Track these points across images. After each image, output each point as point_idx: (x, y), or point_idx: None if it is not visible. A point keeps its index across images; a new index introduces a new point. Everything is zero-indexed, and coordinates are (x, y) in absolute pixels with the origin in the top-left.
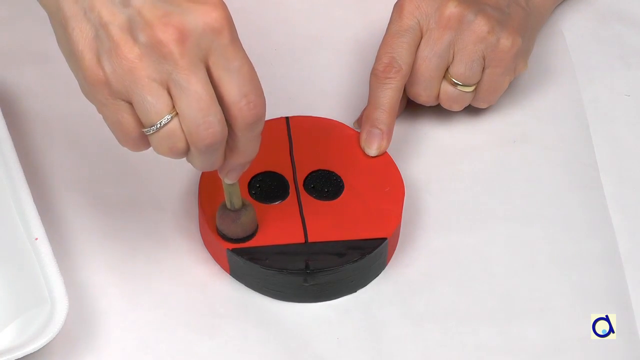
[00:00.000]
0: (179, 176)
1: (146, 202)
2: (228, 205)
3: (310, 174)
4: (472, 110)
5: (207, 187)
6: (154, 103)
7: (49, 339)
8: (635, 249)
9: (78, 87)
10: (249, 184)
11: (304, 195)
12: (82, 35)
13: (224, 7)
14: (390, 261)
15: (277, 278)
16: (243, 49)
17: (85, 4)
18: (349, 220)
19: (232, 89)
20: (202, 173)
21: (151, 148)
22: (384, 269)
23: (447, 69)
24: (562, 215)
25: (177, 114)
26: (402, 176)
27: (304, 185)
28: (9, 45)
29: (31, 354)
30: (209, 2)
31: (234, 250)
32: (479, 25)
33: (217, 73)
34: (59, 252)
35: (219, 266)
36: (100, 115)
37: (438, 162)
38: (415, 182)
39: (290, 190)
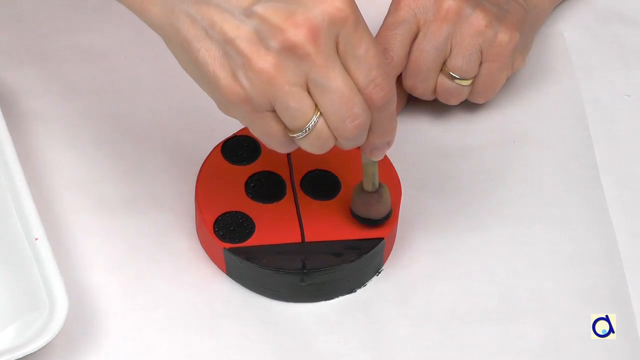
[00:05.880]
0: (178, 176)
1: (145, 202)
2: (370, 187)
3: (307, 173)
4: (471, 109)
5: (205, 188)
6: (298, 108)
7: (49, 339)
8: (635, 249)
9: (78, 87)
10: (246, 183)
11: (301, 195)
12: (210, 55)
13: None
14: (390, 261)
15: (274, 278)
16: (368, 32)
17: (204, 22)
18: (346, 220)
19: (359, 76)
20: (199, 174)
21: None
22: (380, 268)
23: (444, 63)
24: (562, 215)
25: (320, 113)
26: (400, 176)
27: (301, 184)
28: (9, 45)
29: (31, 354)
30: None
31: (230, 250)
32: (477, 19)
33: (346, 61)
34: (59, 252)
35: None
36: (100, 115)
37: (436, 161)
38: (414, 182)
39: (287, 190)
